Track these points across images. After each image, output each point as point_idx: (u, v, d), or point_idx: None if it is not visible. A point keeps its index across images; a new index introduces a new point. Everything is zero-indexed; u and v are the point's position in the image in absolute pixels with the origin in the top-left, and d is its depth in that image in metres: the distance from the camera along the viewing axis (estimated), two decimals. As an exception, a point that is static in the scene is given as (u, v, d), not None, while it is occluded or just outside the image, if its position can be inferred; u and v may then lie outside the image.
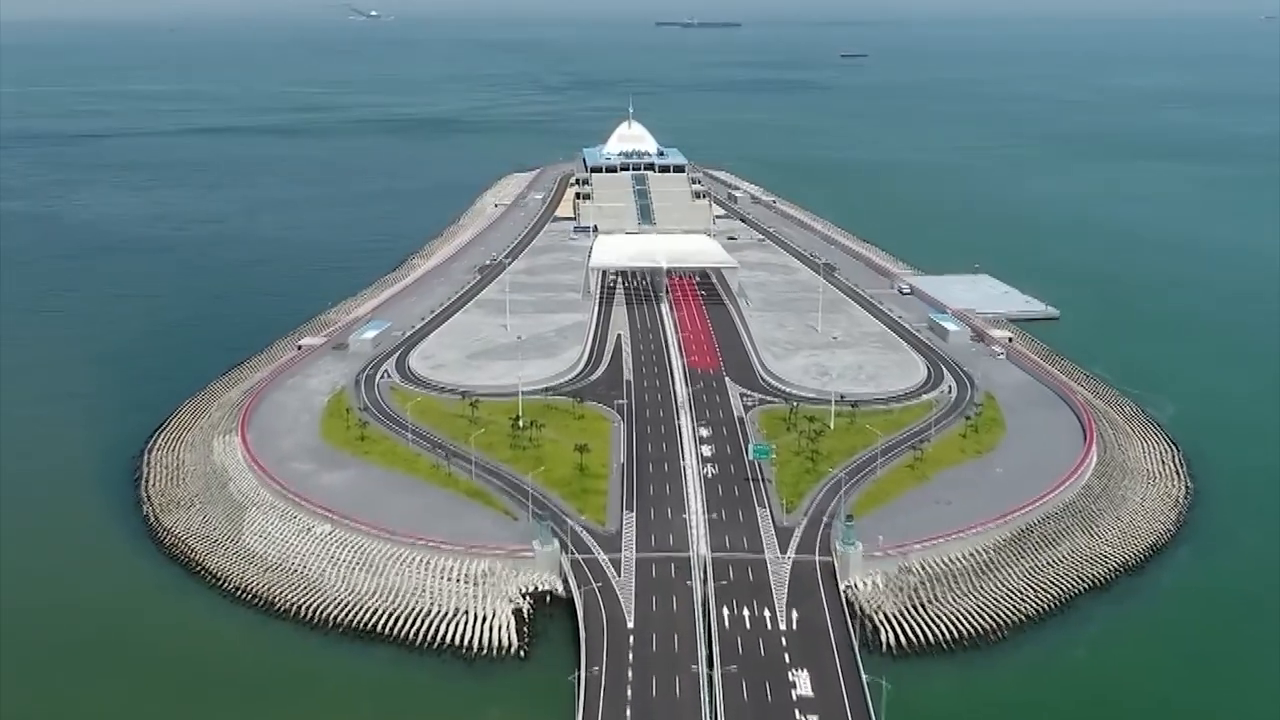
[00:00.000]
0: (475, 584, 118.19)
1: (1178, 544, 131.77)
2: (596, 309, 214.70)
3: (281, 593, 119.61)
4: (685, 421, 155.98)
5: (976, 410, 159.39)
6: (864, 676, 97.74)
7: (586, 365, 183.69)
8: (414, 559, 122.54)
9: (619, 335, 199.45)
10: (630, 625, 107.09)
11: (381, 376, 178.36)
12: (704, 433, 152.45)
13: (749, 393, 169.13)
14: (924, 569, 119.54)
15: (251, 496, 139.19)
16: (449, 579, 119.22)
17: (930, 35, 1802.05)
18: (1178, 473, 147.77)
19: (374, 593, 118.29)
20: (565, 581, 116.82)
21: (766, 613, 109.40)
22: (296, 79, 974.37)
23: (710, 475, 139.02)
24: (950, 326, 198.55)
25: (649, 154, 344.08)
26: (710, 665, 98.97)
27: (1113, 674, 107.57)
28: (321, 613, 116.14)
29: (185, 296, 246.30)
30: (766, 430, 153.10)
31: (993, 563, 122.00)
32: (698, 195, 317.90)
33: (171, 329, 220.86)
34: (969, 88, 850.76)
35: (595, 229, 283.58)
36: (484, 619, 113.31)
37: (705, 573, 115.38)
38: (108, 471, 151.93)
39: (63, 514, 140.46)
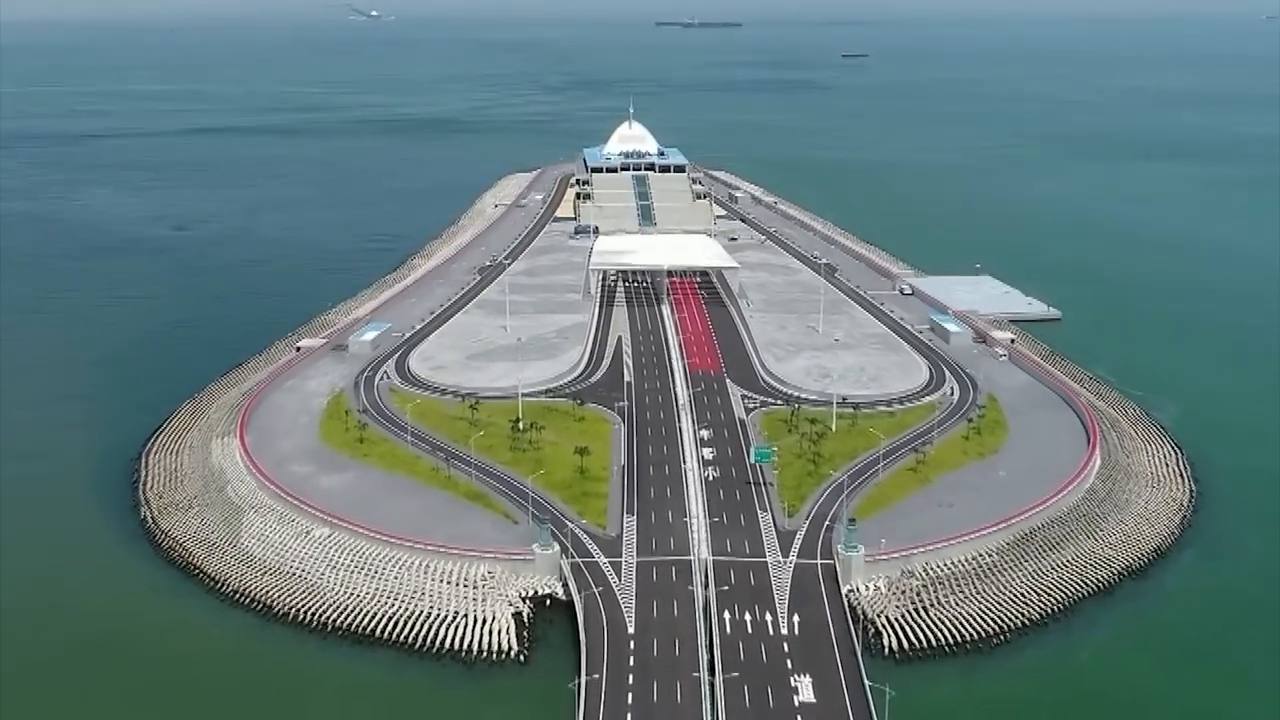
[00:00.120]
0: (475, 587, 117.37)
1: (1182, 548, 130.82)
2: (597, 310, 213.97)
3: (280, 596, 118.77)
4: (686, 424, 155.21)
5: (979, 412, 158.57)
6: (866, 682, 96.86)
7: (587, 367, 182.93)
8: (413, 562, 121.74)
9: (619, 336, 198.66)
10: (631, 630, 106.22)
11: (381, 378, 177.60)
12: (705, 435, 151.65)
13: (750, 394, 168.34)
14: (926, 572, 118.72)
15: (250, 499, 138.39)
16: (448, 582, 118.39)
17: (930, 35, 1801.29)
18: (1181, 476, 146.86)
19: (373, 596, 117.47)
20: (565, 585, 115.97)
21: (768, 617, 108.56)
22: (296, 79, 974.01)
23: (711, 478, 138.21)
24: (952, 328, 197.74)
25: (649, 154, 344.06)
26: (711, 671, 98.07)
27: (1117, 678, 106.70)
28: (320, 616, 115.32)
29: (184, 297, 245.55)
30: (768, 432, 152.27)
31: (996, 566, 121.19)
32: (698, 196, 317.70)
33: (170, 330, 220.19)
34: (969, 88, 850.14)
35: (596, 229, 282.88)
36: (483, 623, 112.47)
37: (706, 576, 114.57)
38: (105, 474, 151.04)
39: (60, 516, 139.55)
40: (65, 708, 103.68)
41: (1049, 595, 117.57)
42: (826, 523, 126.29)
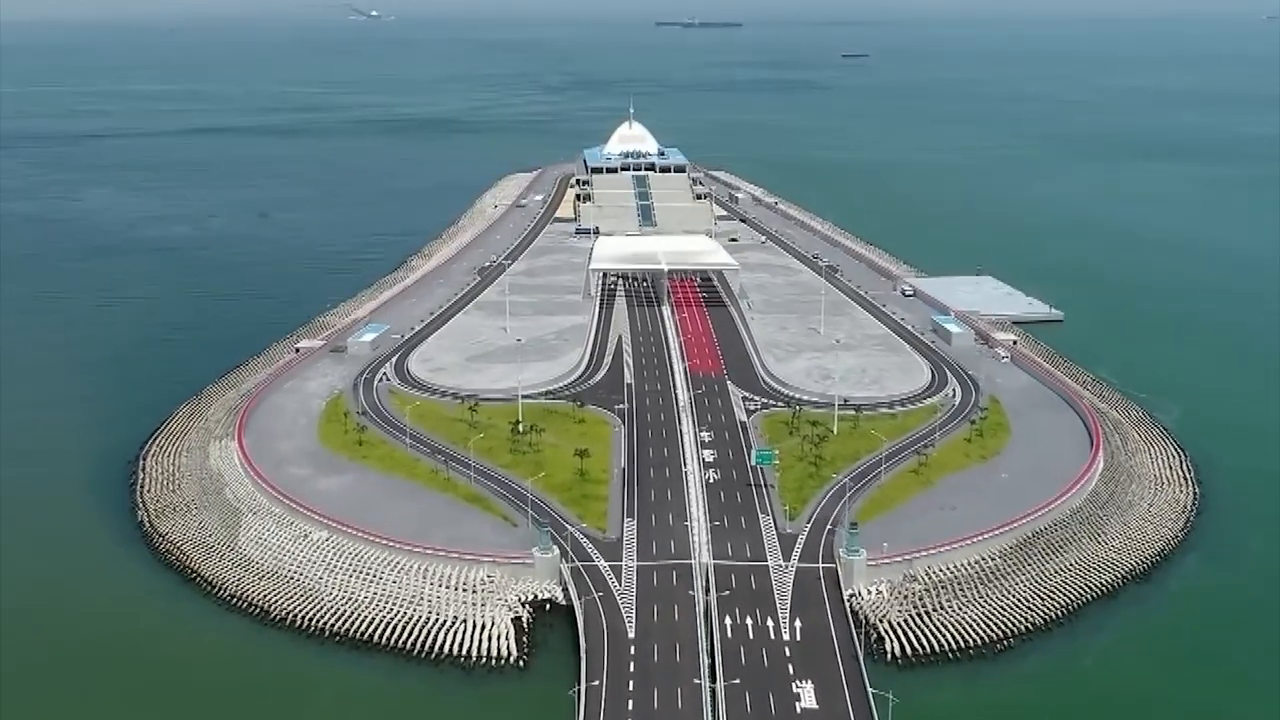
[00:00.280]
0: (474, 592, 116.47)
1: (1185, 550, 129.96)
2: (597, 311, 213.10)
3: (277, 600, 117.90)
4: (687, 426, 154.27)
5: (981, 414, 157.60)
6: (869, 688, 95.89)
7: (587, 368, 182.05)
8: (412, 566, 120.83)
9: (619, 338, 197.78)
10: (631, 635, 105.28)
11: (380, 380, 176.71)
12: (705, 437, 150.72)
13: (751, 396, 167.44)
14: (929, 576, 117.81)
15: (248, 502, 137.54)
16: (447, 587, 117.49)
17: (930, 35, 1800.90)
18: (1185, 478, 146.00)
19: (371, 600, 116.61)
20: (565, 589, 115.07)
21: (769, 622, 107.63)
22: (296, 79, 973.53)
23: (712, 480, 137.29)
24: (954, 329, 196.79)
25: (650, 154, 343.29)
26: (712, 677, 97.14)
27: (1122, 683, 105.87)
28: (318, 621, 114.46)
29: (183, 298, 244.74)
30: (769, 435, 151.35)
31: (999, 570, 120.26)
32: (699, 196, 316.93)
33: (169, 331, 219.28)
34: (970, 88, 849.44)
35: (596, 230, 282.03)
36: (483, 628, 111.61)
37: (707, 580, 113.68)
38: (103, 476, 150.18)
39: (57, 518, 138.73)
40: (61, 711, 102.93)
41: (1053, 599, 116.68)
42: (828, 526, 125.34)
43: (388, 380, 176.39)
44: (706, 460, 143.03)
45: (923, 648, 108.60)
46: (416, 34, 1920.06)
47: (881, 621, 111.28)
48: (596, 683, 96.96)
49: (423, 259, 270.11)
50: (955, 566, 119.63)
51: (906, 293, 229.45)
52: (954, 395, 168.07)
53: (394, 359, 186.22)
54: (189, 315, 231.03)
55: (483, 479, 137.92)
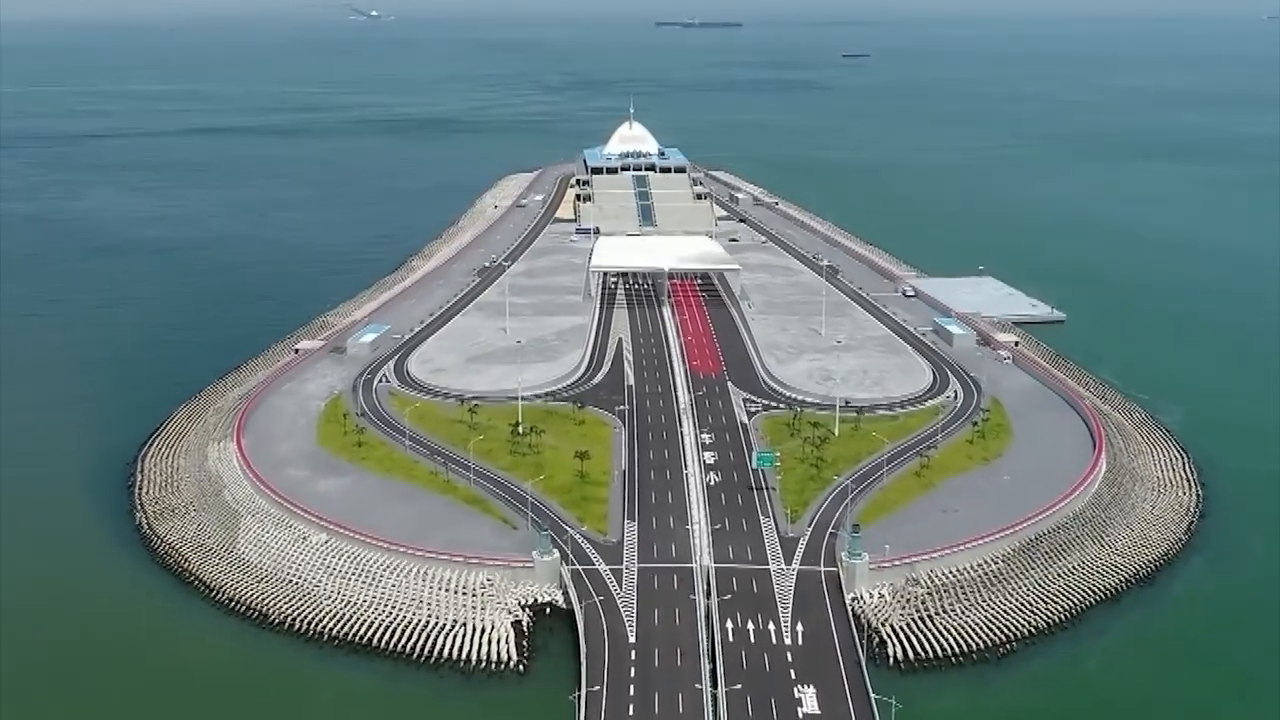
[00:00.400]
0: (473, 595, 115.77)
1: (1189, 553, 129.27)
2: (597, 312, 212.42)
3: (275, 603, 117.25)
4: (688, 428, 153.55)
5: (983, 416, 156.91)
6: (872, 694, 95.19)
7: (587, 370, 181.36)
8: (411, 569, 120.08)
9: (620, 339, 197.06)
10: (632, 640, 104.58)
11: (380, 381, 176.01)
12: (706, 439, 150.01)
13: (752, 398, 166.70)
14: (931, 580, 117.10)
15: (246, 504, 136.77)
16: (446, 590, 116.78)
17: (931, 35, 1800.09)
18: (1188, 480, 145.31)
19: (370, 604, 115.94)
20: (565, 593, 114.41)
21: (771, 626, 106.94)
22: (296, 79, 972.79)
23: (713, 483, 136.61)
24: (955, 330, 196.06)
25: (650, 155, 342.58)
26: (714, 683, 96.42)
27: (1125, 688, 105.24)
28: (316, 624, 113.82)
29: (182, 299, 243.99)
30: (770, 437, 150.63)
31: (1002, 574, 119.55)
32: (699, 196, 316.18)
33: (168, 332, 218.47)
34: (970, 88, 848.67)
35: (597, 230, 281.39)
36: (482, 631, 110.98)
37: (708, 584, 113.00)
38: (101, 477, 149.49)
39: (55, 520, 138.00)
40: (58, 714, 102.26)
41: (1056, 603, 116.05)
42: (830, 529, 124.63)
43: (387, 381, 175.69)
44: (707, 462, 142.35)
45: (925, 652, 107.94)
46: (416, 34, 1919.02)
47: (884, 625, 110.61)
48: (597, 688, 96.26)
49: (422, 259, 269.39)
50: (958, 570, 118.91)
51: (908, 293, 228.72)
52: (956, 397, 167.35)
53: (393, 360, 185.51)
54: (188, 316, 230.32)
55: (482, 481, 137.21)
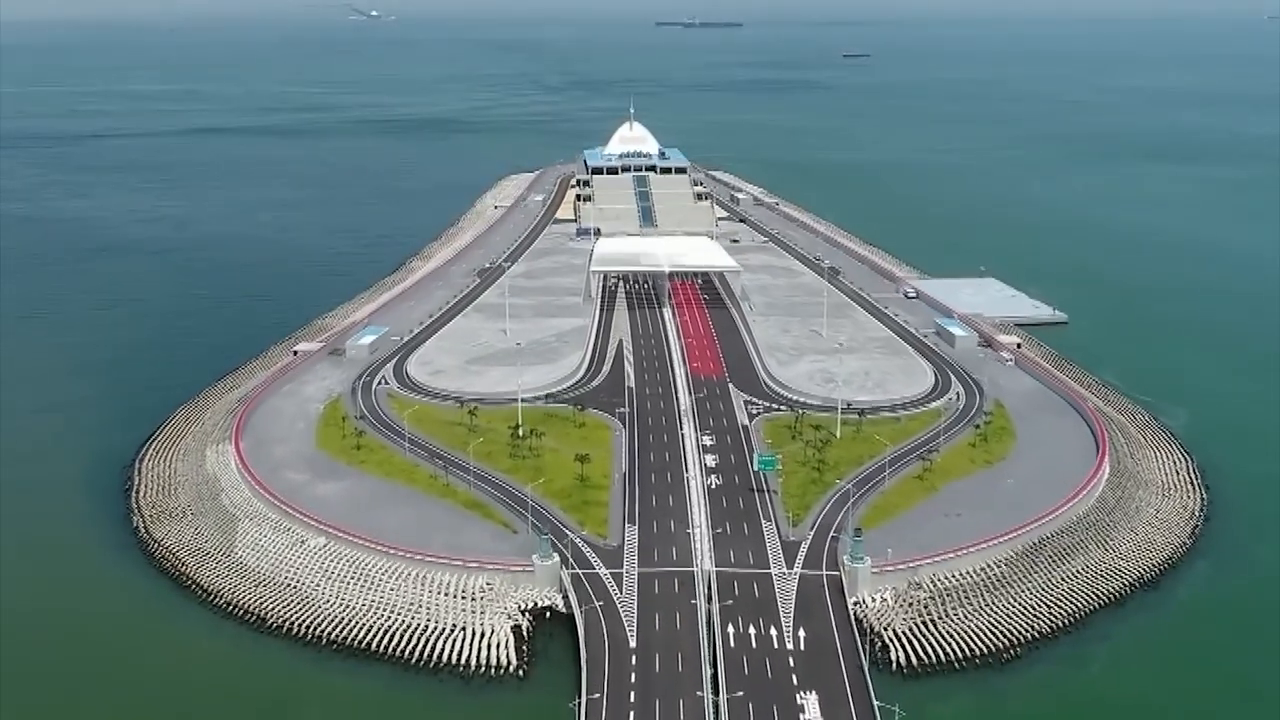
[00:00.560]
0: (473, 599, 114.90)
1: (1194, 557, 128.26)
2: (597, 313, 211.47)
3: (274, 608, 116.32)
4: (689, 430, 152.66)
5: (985, 418, 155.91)
6: (875, 701, 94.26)
7: (587, 371, 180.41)
8: (410, 573, 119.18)
9: (620, 340, 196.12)
10: (633, 645, 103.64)
11: (379, 383, 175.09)
12: (707, 441, 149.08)
13: (753, 400, 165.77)
14: (934, 584, 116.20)
15: (244, 508, 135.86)
16: (446, 594, 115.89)
17: (931, 35, 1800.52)
18: (1192, 483, 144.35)
19: (369, 608, 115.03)
20: (565, 597, 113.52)
21: (773, 631, 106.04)
22: (296, 79, 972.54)
23: (714, 486, 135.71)
24: (957, 332, 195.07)
25: (650, 155, 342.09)
26: (715, 690, 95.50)
27: (1130, 693, 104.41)
28: (314, 629, 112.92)
29: (181, 300, 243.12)
30: (771, 439, 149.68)
31: (1005, 578, 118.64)
32: (700, 197, 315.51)
33: (166, 333, 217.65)
34: (971, 88, 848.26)
35: (597, 231, 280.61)
36: (482, 636, 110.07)
37: (709, 589, 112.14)
38: (98, 480, 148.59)
39: (52, 524, 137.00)
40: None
41: (1059, 607, 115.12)
42: (832, 533, 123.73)
43: (386, 384, 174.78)
44: (708, 465, 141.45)
45: (928, 657, 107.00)
46: (416, 34, 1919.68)
47: (886, 630, 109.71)
48: (597, 695, 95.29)
49: (422, 260, 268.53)
50: (960, 574, 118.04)
51: (909, 295, 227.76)
52: (958, 399, 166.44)
53: (393, 362, 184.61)
54: (187, 317, 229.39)
55: (482, 484, 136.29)
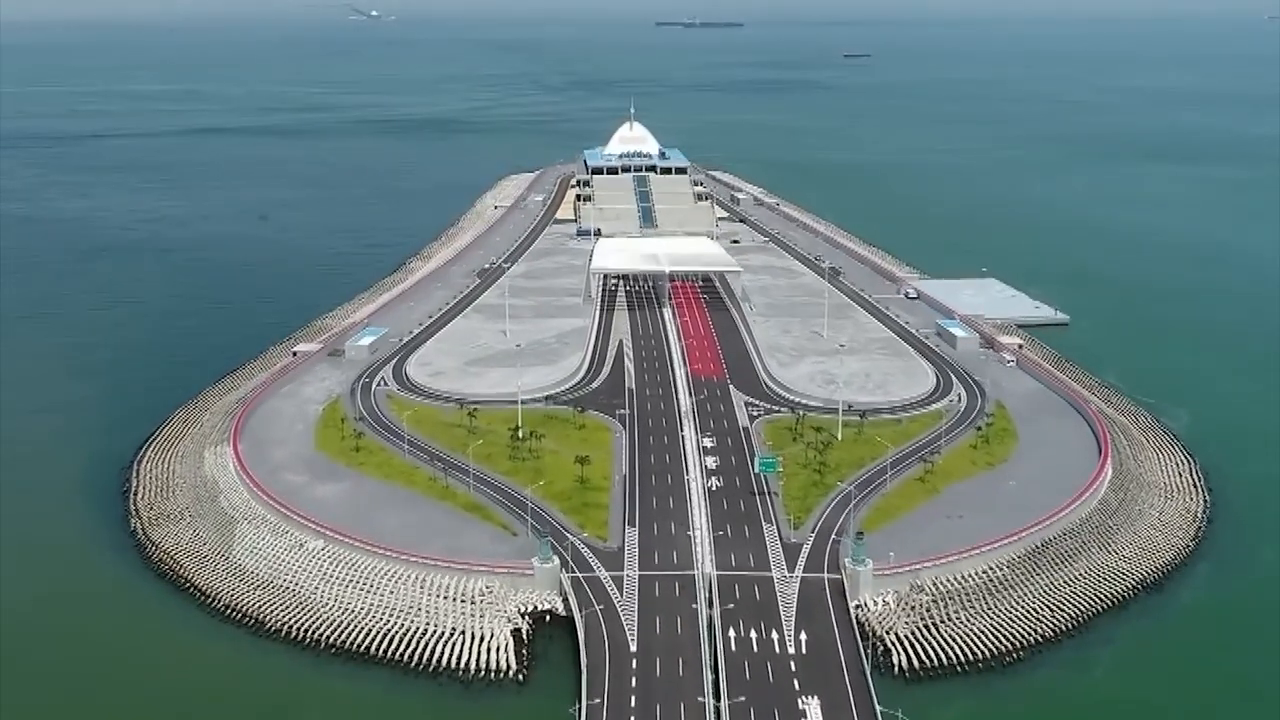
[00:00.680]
0: (472, 603, 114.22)
1: (1197, 560, 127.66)
2: (597, 314, 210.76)
3: (272, 612, 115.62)
4: (689, 432, 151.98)
5: (987, 420, 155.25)
6: (877, 706, 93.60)
7: (587, 373, 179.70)
8: (409, 576, 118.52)
9: (620, 341, 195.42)
10: (633, 649, 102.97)
11: (378, 384, 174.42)
12: (708, 443, 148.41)
13: (754, 401, 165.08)
14: (936, 587, 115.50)
15: (243, 510, 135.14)
16: (445, 597, 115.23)
17: (932, 35, 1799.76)
18: (1195, 485, 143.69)
19: (367, 612, 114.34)
20: (565, 600, 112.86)
21: (774, 634, 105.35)
22: (296, 79, 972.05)
23: (715, 488, 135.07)
24: (958, 333, 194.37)
25: (650, 155, 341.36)
26: (716, 695, 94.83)
27: (1133, 697, 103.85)
28: (313, 633, 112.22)
29: (179, 301, 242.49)
30: (772, 441, 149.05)
31: (1007, 581, 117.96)
32: (700, 197, 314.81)
33: (165, 334, 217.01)
34: (972, 88, 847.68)
35: (598, 232, 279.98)
36: (481, 640, 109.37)
37: (710, 592, 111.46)
38: (96, 482, 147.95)
39: (48, 526, 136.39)
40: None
41: (1062, 610, 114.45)
42: (833, 535, 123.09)
43: (386, 385, 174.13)
44: (709, 467, 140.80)
45: (931, 661, 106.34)
46: (416, 34, 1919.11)
47: (888, 634, 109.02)
48: (598, 700, 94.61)
49: (422, 261, 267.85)
50: (963, 577, 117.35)
51: (910, 295, 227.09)
52: (959, 400, 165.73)
53: (392, 363, 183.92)
54: (186, 317, 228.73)
55: (482, 486, 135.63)
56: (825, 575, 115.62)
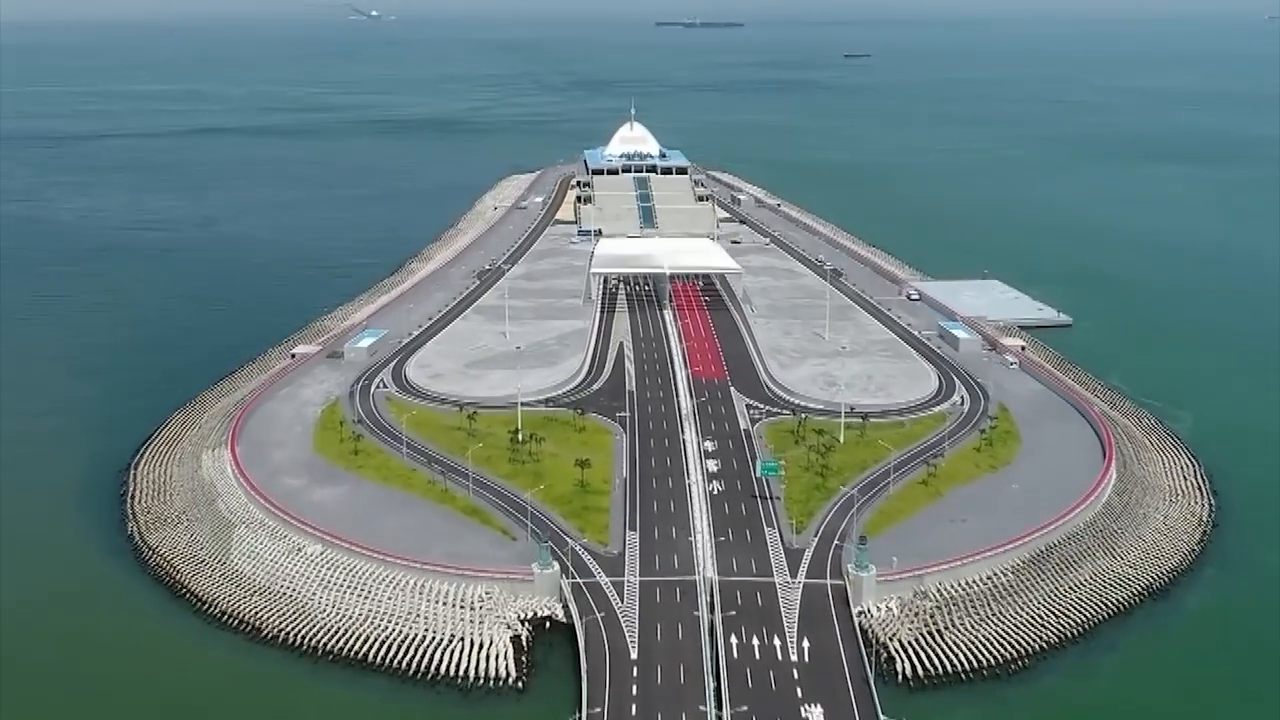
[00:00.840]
0: (472, 609, 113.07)
1: (1202, 565, 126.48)
2: (598, 315, 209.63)
3: (269, 617, 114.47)
4: (690, 435, 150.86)
5: (990, 423, 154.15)
6: (881, 714, 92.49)
7: (588, 375, 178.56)
8: (408, 582, 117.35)
9: (621, 343, 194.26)
10: (634, 656, 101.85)
11: (377, 386, 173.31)
12: (709, 446, 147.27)
13: (755, 404, 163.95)
14: (940, 593, 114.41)
15: (240, 514, 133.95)
16: (444, 604, 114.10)
17: (932, 35, 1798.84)
18: (1200, 489, 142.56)
19: (366, 618, 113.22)
20: (565, 607, 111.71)
21: (776, 641, 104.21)
22: (296, 79, 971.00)
23: (716, 492, 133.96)
24: (961, 335, 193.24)
25: (651, 156, 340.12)
26: (718, 703, 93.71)
27: (1138, 704, 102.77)
28: (311, 639, 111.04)
29: (177, 302, 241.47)
30: (774, 444, 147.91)
31: (1012, 586, 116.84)
32: (701, 198, 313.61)
33: (163, 335, 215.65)
34: (972, 88, 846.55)
35: (598, 232, 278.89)
36: (480, 647, 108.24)
37: (712, 598, 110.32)
38: (93, 486, 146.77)
39: (44, 530, 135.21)
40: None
41: (1067, 617, 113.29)
42: (836, 540, 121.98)
43: (385, 387, 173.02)
44: (710, 471, 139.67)
45: (934, 668, 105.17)
46: (417, 34, 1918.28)
47: (892, 640, 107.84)
48: (598, 709, 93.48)
49: (421, 262, 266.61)
50: (967, 582, 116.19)
51: (912, 297, 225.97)
52: (962, 403, 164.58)
53: (391, 365, 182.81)
54: (184, 319, 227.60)
55: (481, 490, 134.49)
56: (828, 581, 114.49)
